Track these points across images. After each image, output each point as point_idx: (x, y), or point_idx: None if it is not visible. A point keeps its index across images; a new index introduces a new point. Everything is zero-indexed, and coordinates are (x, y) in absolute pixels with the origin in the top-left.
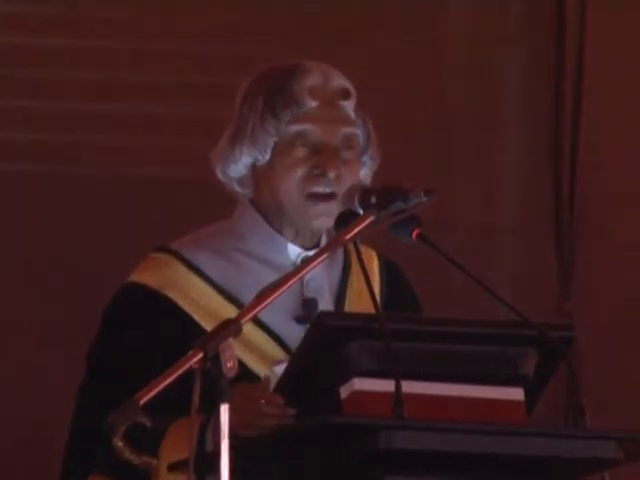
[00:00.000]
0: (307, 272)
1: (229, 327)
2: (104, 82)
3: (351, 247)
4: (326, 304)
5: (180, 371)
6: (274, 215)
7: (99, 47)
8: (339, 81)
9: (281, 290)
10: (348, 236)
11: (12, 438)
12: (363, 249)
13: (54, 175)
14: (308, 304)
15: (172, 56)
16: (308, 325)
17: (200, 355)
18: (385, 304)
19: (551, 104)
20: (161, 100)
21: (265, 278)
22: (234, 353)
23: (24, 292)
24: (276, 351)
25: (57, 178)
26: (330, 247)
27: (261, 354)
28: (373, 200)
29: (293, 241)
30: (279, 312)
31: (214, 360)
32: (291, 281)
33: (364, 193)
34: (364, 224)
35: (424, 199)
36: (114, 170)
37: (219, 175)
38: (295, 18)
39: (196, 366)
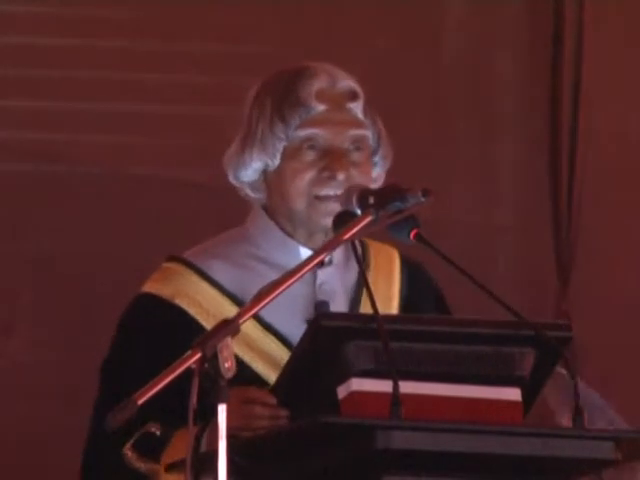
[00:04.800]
0: (306, 272)
1: (227, 327)
2: (101, 81)
3: (368, 244)
4: (339, 307)
5: (178, 371)
6: (286, 219)
7: (95, 46)
8: (346, 83)
9: (280, 289)
10: (346, 236)
11: (9, 438)
12: (384, 249)
13: (49, 174)
14: (320, 307)
15: (171, 56)
16: None
17: (198, 355)
18: (405, 304)
19: (549, 104)
20: (159, 99)
21: None
22: (232, 353)
23: (19, 292)
24: (285, 355)
25: (52, 177)
26: (329, 247)
27: (271, 359)
28: (371, 200)
29: (305, 245)
30: (291, 315)
31: (212, 360)
32: (290, 280)
33: (362, 193)
34: (362, 224)
35: (422, 199)
36: (110, 169)
37: (231, 180)
38: (294, 18)
39: (194, 366)
